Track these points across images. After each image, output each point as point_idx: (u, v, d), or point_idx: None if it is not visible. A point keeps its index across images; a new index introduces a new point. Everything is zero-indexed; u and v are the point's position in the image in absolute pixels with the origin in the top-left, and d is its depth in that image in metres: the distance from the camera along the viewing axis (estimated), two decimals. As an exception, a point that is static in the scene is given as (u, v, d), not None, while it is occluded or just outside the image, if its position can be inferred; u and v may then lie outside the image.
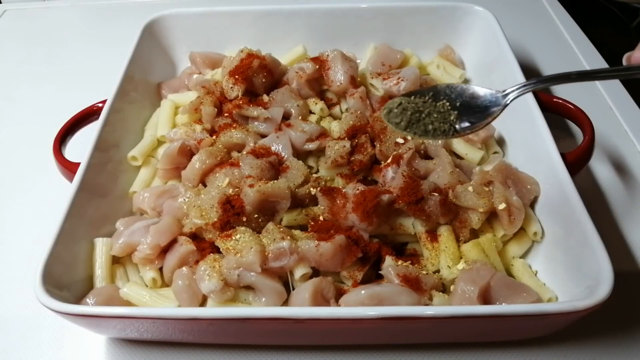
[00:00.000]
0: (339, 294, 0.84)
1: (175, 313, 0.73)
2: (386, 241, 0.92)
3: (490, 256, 0.88)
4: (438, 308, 0.73)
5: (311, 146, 1.04)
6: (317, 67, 1.15)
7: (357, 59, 1.28)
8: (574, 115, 1.03)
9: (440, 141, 1.01)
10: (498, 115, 0.76)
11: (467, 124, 0.76)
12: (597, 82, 1.35)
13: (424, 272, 0.86)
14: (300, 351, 0.87)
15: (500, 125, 1.09)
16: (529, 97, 1.01)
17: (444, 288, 0.86)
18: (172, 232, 0.90)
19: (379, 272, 0.88)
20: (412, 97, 0.78)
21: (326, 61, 1.16)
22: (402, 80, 1.13)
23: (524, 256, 0.93)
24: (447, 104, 0.77)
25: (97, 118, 1.04)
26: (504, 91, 0.77)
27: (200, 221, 0.90)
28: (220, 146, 1.04)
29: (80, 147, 1.00)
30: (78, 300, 0.84)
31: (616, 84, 1.35)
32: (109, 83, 1.10)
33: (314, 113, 1.13)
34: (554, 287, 0.85)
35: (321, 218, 0.93)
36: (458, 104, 0.77)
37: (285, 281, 0.86)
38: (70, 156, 0.99)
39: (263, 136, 1.08)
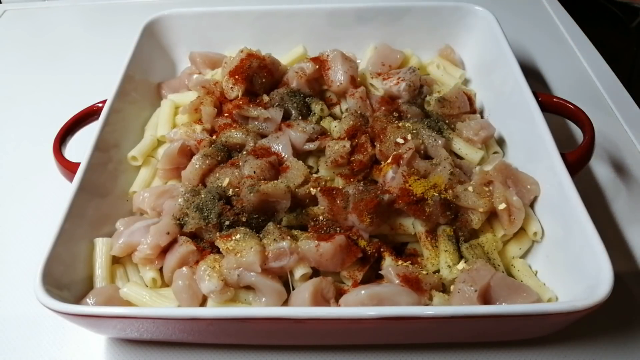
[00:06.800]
0: (339, 294, 0.84)
1: (175, 313, 0.73)
2: (386, 241, 0.92)
3: (491, 256, 0.88)
4: (438, 308, 0.73)
5: (311, 146, 1.04)
6: (317, 67, 1.14)
7: (357, 59, 1.28)
8: (574, 115, 1.03)
9: (440, 141, 1.01)
10: None
11: None
12: (597, 82, 1.35)
13: (424, 272, 0.86)
14: (300, 351, 0.87)
15: (500, 125, 1.09)
16: (529, 97, 1.01)
17: (444, 288, 0.86)
18: (172, 232, 0.90)
19: (379, 272, 0.88)
20: None
21: (326, 61, 1.16)
22: (402, 80, 1.13)
23: (524, 256, 0.93)
24: None
25: (97, 118, 1.04)
26: None
27: (200, 221, 0.90)
28: (220, 146, 1.04)
29: (80, 147, 1.00)
30: (78, 300, 0.84)
31: (616, 84, 1.35)
32: (109, 83, 1.10)
33: (314, 113, 1.13)
34: (554, 287, 0.85)
35: (321, 218, 0.93)
36: None
37: (285, 281, 0.86)
38: (70, 156, 0.99)
39: (263, 136, 1.08)
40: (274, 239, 0.85)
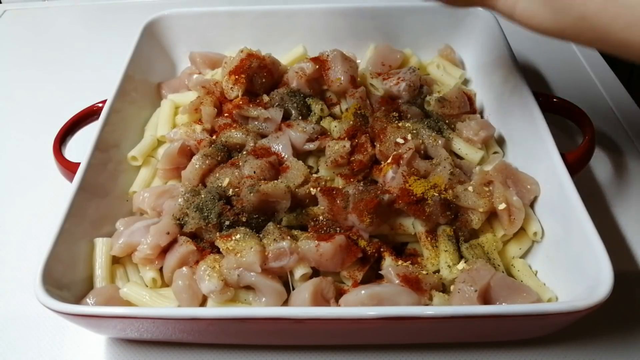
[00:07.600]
0: (339, 294, 0.84)
1: (175, 313, 0.73)
2: (386, 241, 0.92)
3: (491, 256, 0.88)
4: (438, 308, 0.73)
5: (311, 146, 1.04)
6: (317, 67, 1.14)
7: (357, 59, 1.28)
8: (574, 115, 1.03)
9: (440, 141, 1.01)
10: None
11: None
12: (597, 82, 1.35)
13: (424, 272, 0.86)
14: (300, 351, 0.87)
15: (500, 125, 1.09)
16: (529, 97, 1.01)
17: (444, 288, 0.86)
18: (172, 232, 0.90)
19: (379, 272, 0.88)
20: None
21: (326, 61, 1.16)
22: (402, 80, 1.13)
23: (524, 256, 0.93)
24: None
25: (97, 118, 1.04)
26: None
27: (200, 221, 0.90)
28: (220, 146, 1.04)
29: (80, 147, 1.00)
30: (78, 300, 0.83)
31: (616, 84, 1.35)
32: (109, 83, 1.10)
33: (314, 113, 1.13)
34: (554, 287, 0.85)
35: (321, 218, 0.93)
36: None
37: (285, 281, 0.86)
38: (70, 156, 0.99)
39: (263, 136, 1.08)
40: (274, 239, 0.85)
